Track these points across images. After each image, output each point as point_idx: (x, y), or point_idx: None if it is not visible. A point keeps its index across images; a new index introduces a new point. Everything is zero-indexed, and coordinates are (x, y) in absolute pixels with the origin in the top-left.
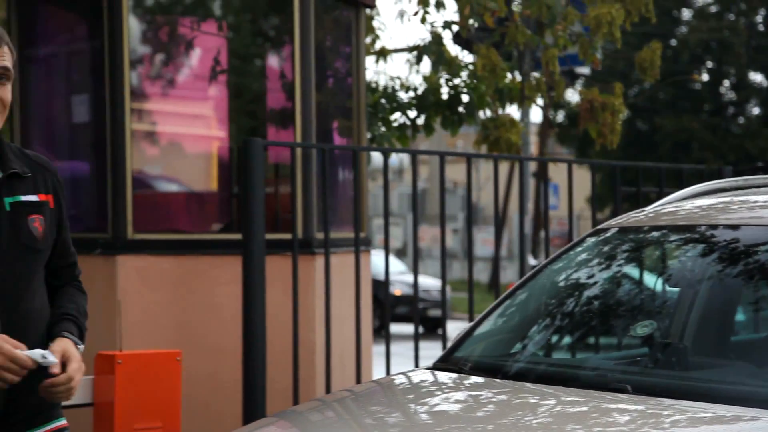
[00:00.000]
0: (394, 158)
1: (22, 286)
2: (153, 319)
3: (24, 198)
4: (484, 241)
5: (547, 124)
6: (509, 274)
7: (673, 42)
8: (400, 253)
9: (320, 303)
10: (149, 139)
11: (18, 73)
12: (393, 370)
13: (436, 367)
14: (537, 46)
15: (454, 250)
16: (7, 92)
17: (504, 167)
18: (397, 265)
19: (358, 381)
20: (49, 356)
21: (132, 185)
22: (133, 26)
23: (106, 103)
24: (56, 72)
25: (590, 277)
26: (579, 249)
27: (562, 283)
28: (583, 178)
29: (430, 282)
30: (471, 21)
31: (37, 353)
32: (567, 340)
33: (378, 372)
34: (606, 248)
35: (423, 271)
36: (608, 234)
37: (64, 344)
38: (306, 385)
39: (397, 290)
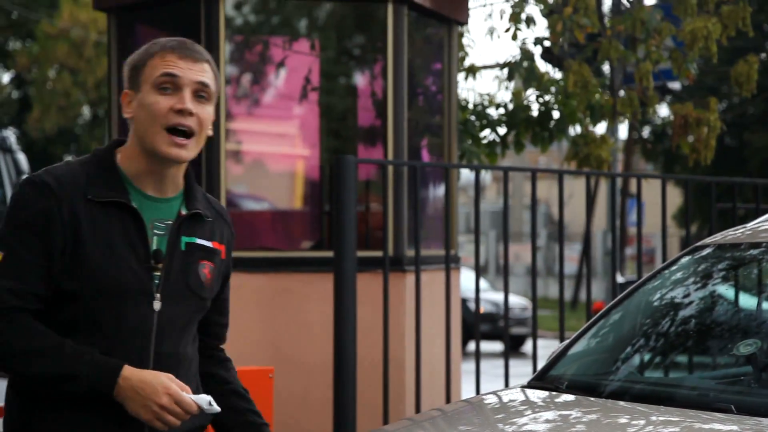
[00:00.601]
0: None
1: (180, 330)
2: (245, 336)
3: (200, 241)
4: (568, 258)
5: (633, 140)
6: (594, 292)
7: (764, 56)
8: (482, 271)
9: (410, 320)
10: (241, 158)
11: (118, 95)
12: (481, 389)
13: (530, 385)
14: (630, 62)
15: (536, 267)
16: (205, 111)
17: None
18: (481, 283)
19: (448, 399)
20: (215, 404)
21: (226, 204)
22: (226, 46)
23: None
24: None
25: (687, 295)
26: (675, 267)
27: (658, 302)
28: (668, 194)
29: (512, 299)
30: (562, 38)
31: (204, 399)
32: (664, 359)
33: (466, 390)
34: (703, 266)
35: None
36: (705, 252)
37: None
38: (396, 402)
39: (480, 308)
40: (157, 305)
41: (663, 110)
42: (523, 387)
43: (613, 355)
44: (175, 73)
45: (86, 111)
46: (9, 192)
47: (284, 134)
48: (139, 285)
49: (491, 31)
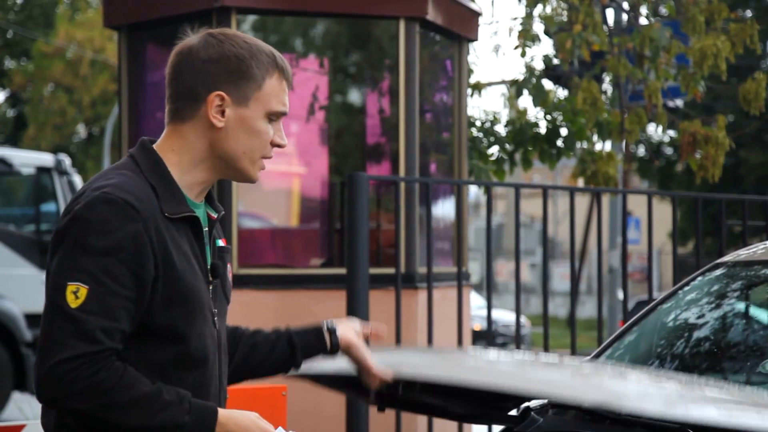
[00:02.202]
0: (471, 193)
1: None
2: None
3: (222, 244)
4: (562, 275)
5: (630, 156)
6: (588, 309)
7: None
8: (477, 288)
9: (422, 337)
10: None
11: (128, 111)
12: None
13: (552, 404)
14: (638, 79)
15: (531, 284)
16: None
17: (583, 201)
18: (476, 300)
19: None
20: None
21: (237, 221)
22: None
23: None
24: (164, 110)
25: (703, 316)
26: (688, 288)
27: (674, 323)
28: (665, 212)
29: (510, 317)
30: (572, 56)
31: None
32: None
33: None
34: (718, 286)
35: (501, 305)
36: (719, 272)
37: (347, 334)
38: (408, 420)
39: (476, 325)
40: (216, 323)
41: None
42: (546, 406)
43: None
44: (286, 112)
45: (81, 129)
46: None
47: (293, 152)
48: (209, 307)
49: (497, 49)
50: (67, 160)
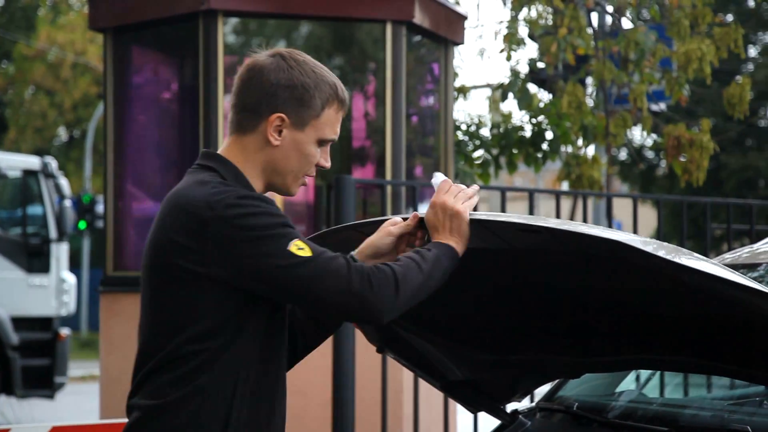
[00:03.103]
0: None
1: None
2: None
3: None
4: None
5: (612, 159)
6: None
7: (739, 79)
8: None
9: None
10: None
11: (114, 114)
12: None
13: (540, 407)
14: (622, 82)
15: None
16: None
17: (566, 205)
18: None
19: (446, 421)
20: None
21: None
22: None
23: (200, 142)
24: (151, 111)
25: None
26: None
27: None
28: (647, 215)
29: None
30: (557, 59)
31: None
32: (676, 379)
33: (464, 414)
34: None
35: None
36: None
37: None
38: (394, 425)
39: None
40: None
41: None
42: (532, 409)
43: (623, 374)
44: (335, 139)
45: (62, 132)
46: (51, 215)
47: None
48: None
49: (482, 52)
50: (53, 163)
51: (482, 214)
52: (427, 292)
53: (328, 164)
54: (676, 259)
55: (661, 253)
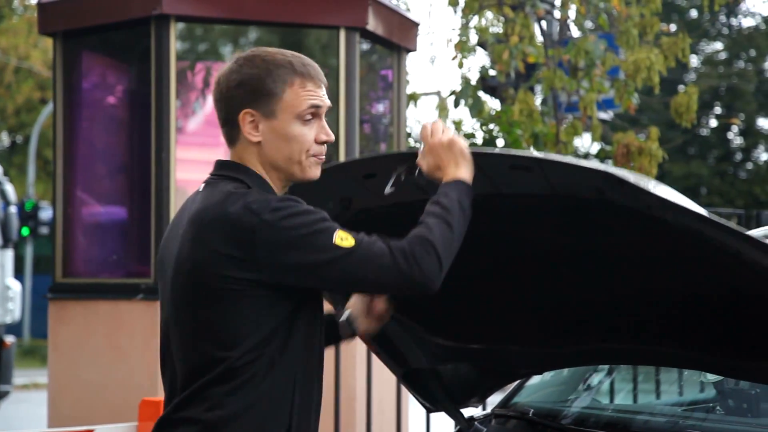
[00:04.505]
0: None
1: None
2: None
3: None
4: None
5: None
6: None
7: (682, 88)
8: None
9: (361, 350)
10: (192, 185)
11: (63, 119)
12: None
13: (496, 413)
14: (572, 90)
15: None
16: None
17: None
18: None
19: (398, 427)
20: None
21: None
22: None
23: (152, 148)
24: (101, 117)
25: None
26: None
27: None
28: None
29: None
30: (508, 67)
31: None
32: (628, 386)
33: (414, 414)
34: None
35: None
36: None
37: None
38: (346, 430)
39: None
40: None
41: (580, 140)
42: (488, 415)
43: (577, 381)
44: (319, 104)
45: (5, 138)
46: None
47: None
48: None
49: (432, 60)
50: None
51: (475, 149)
52: (461, 241)
53: (330, 137)
54: (665, 196)
55: (649, 187)
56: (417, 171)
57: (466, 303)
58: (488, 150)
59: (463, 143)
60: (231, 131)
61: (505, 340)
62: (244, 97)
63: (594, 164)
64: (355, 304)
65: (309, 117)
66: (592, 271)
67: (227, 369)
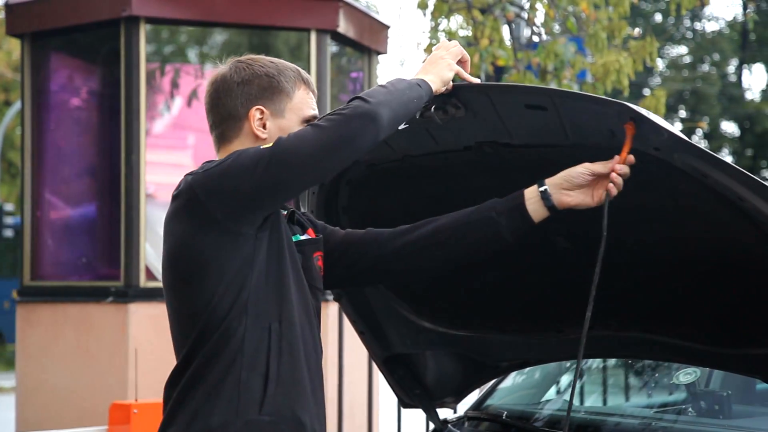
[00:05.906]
0: None
1: None
2: (167, 367)
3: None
4: None
5: None
6: None
7: (647, 92)
8: None
9: (333, 351)
10: (159, 188)
11: (31, 120)
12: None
13: (469, 416)
14: None
15: None
16: None
17: None
18: None
19: (369, 429)
20: None
21: (145, 234)
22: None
23: (121, 150)
24: (70, 119)
25: None
26: None
27: None
28: None
29: None
30: (479, 70)
31: None
32: (599, 387)
33: (385, 418)
34: None
35: None
36: None
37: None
38: None
39: None
40: None
41: None
42: (462, 417)
43: (549, 383)
44: (317, 116)
45: None
46: None
47: (192, 165)
48: None
49: (402, 63)
50: None
51: (486, 84)
52: (406, 106)
53: None
54: (680, 135)
55: (665, 125)
56: (428, 104)
57: (455, 288)
58: (506, 84)
59: (447, 61)
60: (232, 128)
61: (490, 329)
62: (258, 92)
63: (609, 100)
64: (555, 179)
65: (308, 123)
66: (587, 250)
67: (205, 325)
